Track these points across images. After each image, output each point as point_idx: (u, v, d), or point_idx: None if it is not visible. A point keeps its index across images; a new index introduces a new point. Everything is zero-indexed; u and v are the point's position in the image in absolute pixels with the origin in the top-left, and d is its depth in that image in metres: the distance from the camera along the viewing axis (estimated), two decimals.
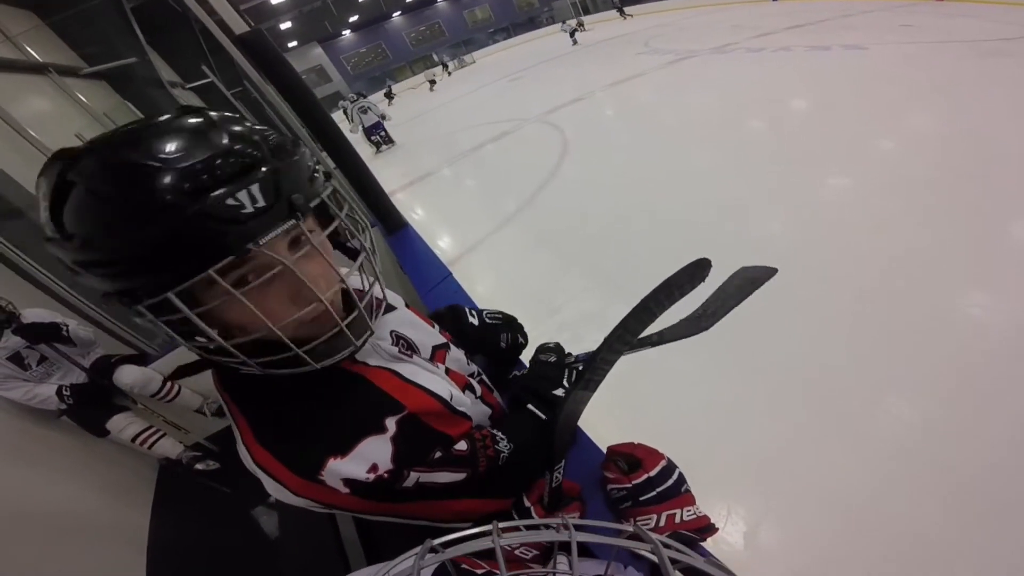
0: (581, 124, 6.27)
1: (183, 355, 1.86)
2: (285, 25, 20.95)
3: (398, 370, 0.64)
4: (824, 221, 2.87)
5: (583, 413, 0.65)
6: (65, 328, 1.92)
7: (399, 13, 25.39)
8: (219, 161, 0.42)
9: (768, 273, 0.76)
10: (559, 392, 0.78)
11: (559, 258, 3.32)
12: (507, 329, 1.05)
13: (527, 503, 0.72)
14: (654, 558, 0.27)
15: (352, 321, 0.53)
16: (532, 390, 0.79)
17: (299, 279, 0.47)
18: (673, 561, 0.27)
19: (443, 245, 3.86)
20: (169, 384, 2.10)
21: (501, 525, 0.30)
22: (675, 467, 0.73)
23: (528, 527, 0.32)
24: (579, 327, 2.59)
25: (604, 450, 0.84)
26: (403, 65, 26.07)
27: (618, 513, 0.73)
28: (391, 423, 0.57)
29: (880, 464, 1.56)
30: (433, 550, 0.29)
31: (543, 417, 0.75)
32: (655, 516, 0.68)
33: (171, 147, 0.41)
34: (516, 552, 0.65)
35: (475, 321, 1.02)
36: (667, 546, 0.28)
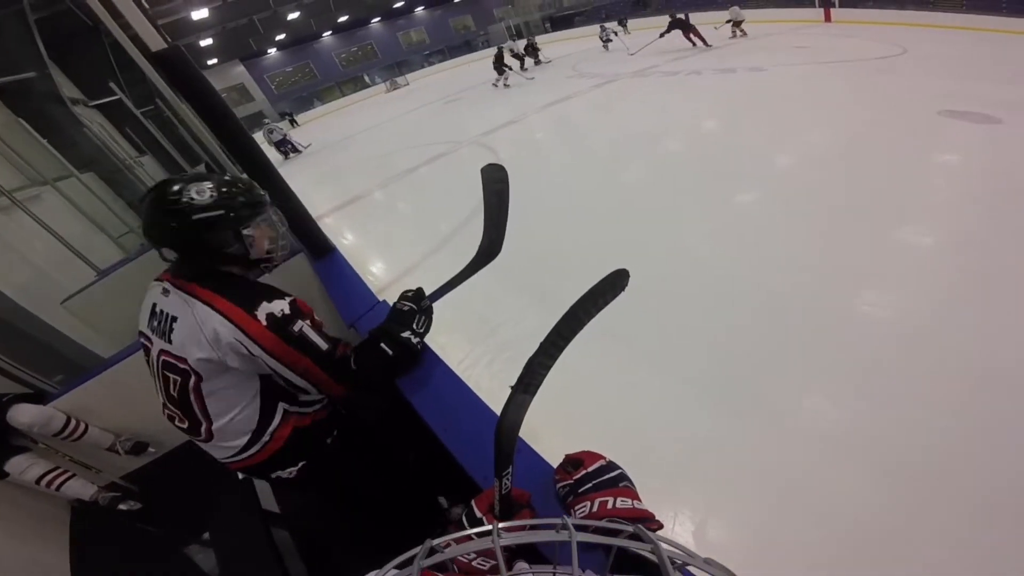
0: (516, 145, 6.45)
1: (87, 392, 1.74)
2: (206, 42, 19.93)
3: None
4: (736, 232, 3.13)
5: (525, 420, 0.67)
6: None
7: (330, 33, 24.97)
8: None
9: (501, 174, 1.06)
10: (406, 334, 1.14)
11: (497, 278, 3.32)
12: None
13: (478, 513, 0.73)
14: (654, 558, 0.27)
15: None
16: (385, 331, 1.14)
17: (274, 228, 1.14)
18: (673, 561, 0.27)
19: (376, 271, 3.77)
20: (74, 423, 1.91)
21: (501, 526, 0.30)
22: (616, 466, 0.78)
23: (528, 528, 0.33)
24: (521, 344, 2.57)
25: (549, 459, 0.90)
26: (332, 85, 25.56)
27: (564, 508, 0.76)
28: (288, 297, 1.05)
29: (806, 454, 1.71)
30: (433, 550, 0.30)
31: (390, 353, 1.11)
32: (589, 503, 0.71)
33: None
34: (474, 563, 0.66)
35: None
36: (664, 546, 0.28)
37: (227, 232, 1.02)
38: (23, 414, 1.81)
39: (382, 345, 1.11)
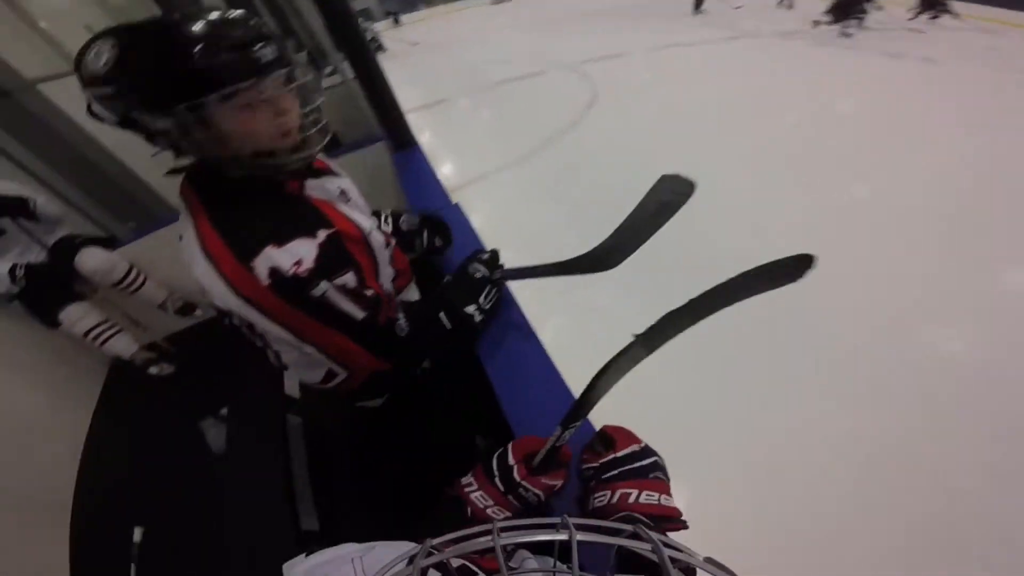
0: (614, 81, 5.93)
1: (154, 242, 1.74)
2: None
3: (335, 204, 0.83)
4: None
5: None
6: (32, 203, 1.79)
7: None
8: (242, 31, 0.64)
9: (686, 189, 0.81)
10: (470, 309, 0.91)
11: (560, 210, 3.22)
12: (421, 234, 1.20)
13: (511, 459, 0.68)
14: (654, 558, 0.27)
15: (307, 139, 0.74)
16: (447, 302, 0.91)
17: (281, 105, 0.68)
18: (674, 561, 0.27)
19: (445, 171, 3.72)
20: (134, 273, 1.99)
21: (500, 525, 0.30)
22: (652, 454, 0.69)
23: (527, 527, 0.31)
24: (563, 285, 2.44)
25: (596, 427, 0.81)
26: None
27: (585, 491, 0.71)
28: (322, 233, 0.73)
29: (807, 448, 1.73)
30: (433, 550, 0.30)
31: (448, 326, 0.89)
32: (609, 492, 0.65)
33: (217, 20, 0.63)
34: (488, 511, 0.66)
35: (388, 227, 1.16)
36: (667, 545, 0.28)
37: (149, 117, 0.62)
38: (90, 258, 1.87)
39: (441, 315, 0.90)
